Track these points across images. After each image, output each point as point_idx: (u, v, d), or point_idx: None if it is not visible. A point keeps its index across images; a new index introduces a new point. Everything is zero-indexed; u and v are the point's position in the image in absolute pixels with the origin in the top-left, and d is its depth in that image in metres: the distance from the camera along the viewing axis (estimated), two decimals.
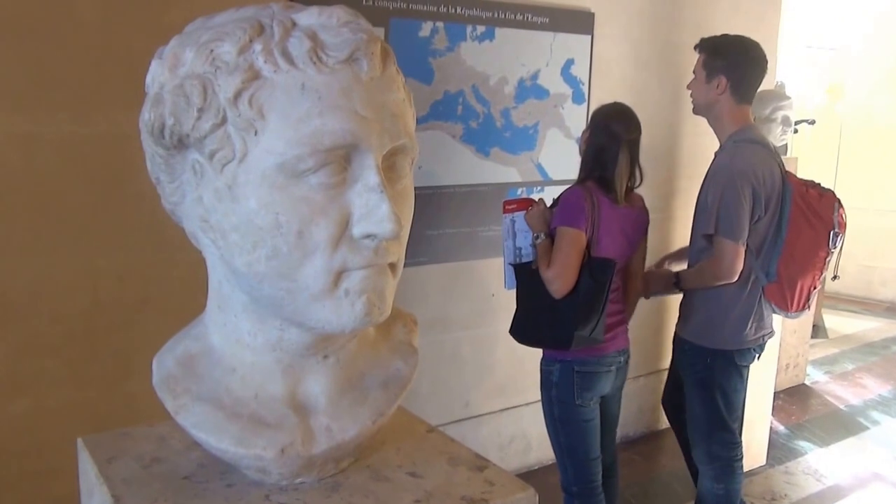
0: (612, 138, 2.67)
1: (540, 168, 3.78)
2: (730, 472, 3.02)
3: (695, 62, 2.94)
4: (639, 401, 4.07)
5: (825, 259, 2.91)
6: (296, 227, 0.95)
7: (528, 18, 3.60)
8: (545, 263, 2.61)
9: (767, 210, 2.80)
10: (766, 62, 2.92)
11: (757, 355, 3.02)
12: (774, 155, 2.91)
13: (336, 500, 1.11)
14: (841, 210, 2.88)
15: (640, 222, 2.80)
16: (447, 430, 1.36)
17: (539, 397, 2.86)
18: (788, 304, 2.90)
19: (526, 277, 2.68)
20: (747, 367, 3.00)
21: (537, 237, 2.68)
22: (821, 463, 4.24)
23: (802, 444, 4.48)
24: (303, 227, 0.95)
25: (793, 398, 5.18)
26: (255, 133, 0.94)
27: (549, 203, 2.75)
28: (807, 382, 5.48)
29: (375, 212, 0.95)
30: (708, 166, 2.94)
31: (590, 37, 3.82)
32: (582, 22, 3.78)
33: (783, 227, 2.84)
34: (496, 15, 3.50)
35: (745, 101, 2.90)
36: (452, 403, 3.70)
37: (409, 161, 1.05)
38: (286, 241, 0.96)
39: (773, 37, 4.60)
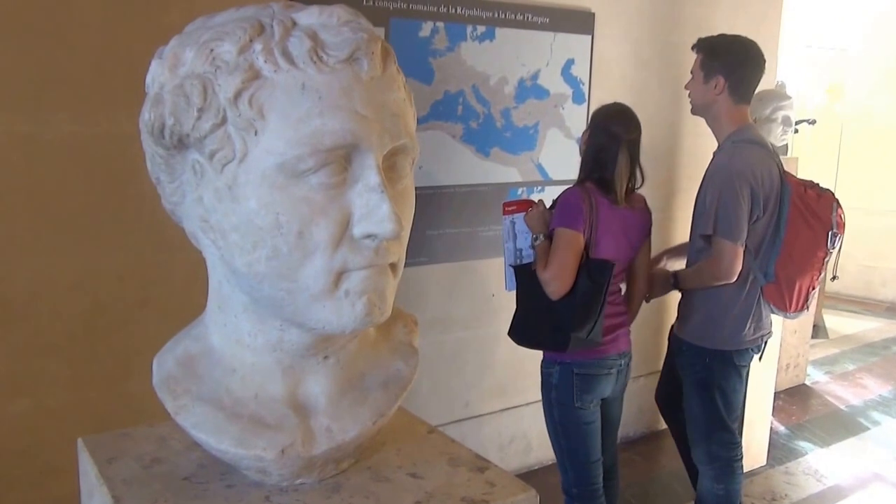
0: (611, 139, 2.66)
1: (540, 168, 3.78)
2: (730, 473, 3.02)
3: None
4: (639, 401, 4.07)
5: (823, 259, 2.91)
6: (296, 228, 0.95)
7: (528, 18, 3.60)
8: (542, 265, 2.61)
9: (766, 210, 2.80)
10: (764, 62, 2.91)
11: (756, 355, 3.01)
12: (773, 155, 2.91)
13: (336, 501, 1.11)
14: (839, 210, 2.88)
15: (641, 223, 2.79)
16: (447, 430, 1.36)
17: (539, 398, 2.85)
18: (787, 304, 2.90)
19: (526, 279, 2.68)
20: (746, 367, 3.00)
21: (536, 238, 2.68)
22: (821, 463, 4.24)
23: (803, 444, 4.48)
24: (303, 227, 0.95)
25: (793, 398, 5.18)
26: (256, 133, 0.94)
27: (549, 204, 2.75)
28: (807, 383, 5.48)
29: (376, 212, 0.95)
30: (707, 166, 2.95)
31: (590, 37, 3.82)
32: (582, 22, 3.78)
33: (781, 227, 2.83)
34: (496, 15, 3.50)
35: (743, 101, 2.89)
36: (453, 403, 3.70)
37: (409, 161, 1.05)
38: (286, 241, 0.95)
39: (775, 37, 4.60)
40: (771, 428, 4.32)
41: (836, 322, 6.97)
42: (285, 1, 1.02)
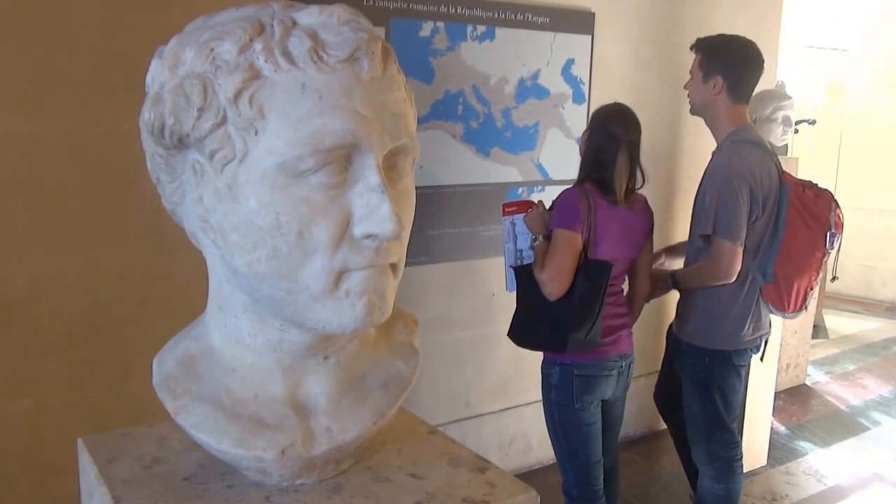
0: (610, 139, 2.65)
1: (540, 168, 3.78)
2: (730, 472, 3.02)
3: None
4: (639, 401, 4.07)
5: (822, 259, 2.92)
6: (296, 228, 0.95)
7: (528, 18, 3.60)
8: (540, 266, 2.60)
9: (765, 210, 2.80)
10: (763, 62, 2.91)
11: (755, 355, 3.02)
12: (771, 155, 2.92)
13: (337, 502, 1.10)
14: (838, 210, 2.89)
15: (642, 224, 2.77)
16: (448, 430, 1.36)
17: (540, 397, 2.85)
18: (785, 304, 2.90)
19: (526, 280, 2.67)
20: (745, 366, 3.01)
21: (535, 239, 2.68)
22: (821, 463, 4.23)
23: (803, 444, 4.47)
24: (303, 227, 0.95)
25: (793, 398, 5.18)
26: (256, 133, 0.94)
27: (549, 205, 2.75)
28: (807, 383, 5.48)
29: (376, 212, 0.95)
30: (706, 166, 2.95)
31: (590, 37, 3.82)
32: (582, 22, 3.78)
33: (780, 227, 2.84)
34: (496, 15, 3.50)
35: (741, 101, 2.90)
36: (453, 403, 3.70)
37: (410, 161, 1.05)
38: (286, 241, 0.95)
39: (775, 37, 4.60)
40: (771, 428, 4.31)
41: (837, 322, 6.97)
42: (285, 0, 1.02)
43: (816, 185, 2.98)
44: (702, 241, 2.85)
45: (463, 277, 3.63)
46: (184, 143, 0.98)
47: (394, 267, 1.04)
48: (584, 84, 3.85)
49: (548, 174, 3.81)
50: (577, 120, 3.80)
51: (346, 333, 1.03)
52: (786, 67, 6.16)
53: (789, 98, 4.51)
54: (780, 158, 3.01)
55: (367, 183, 0.96)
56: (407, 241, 1.06)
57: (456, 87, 3.43)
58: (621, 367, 2.77)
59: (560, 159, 3.80)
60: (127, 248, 2.42)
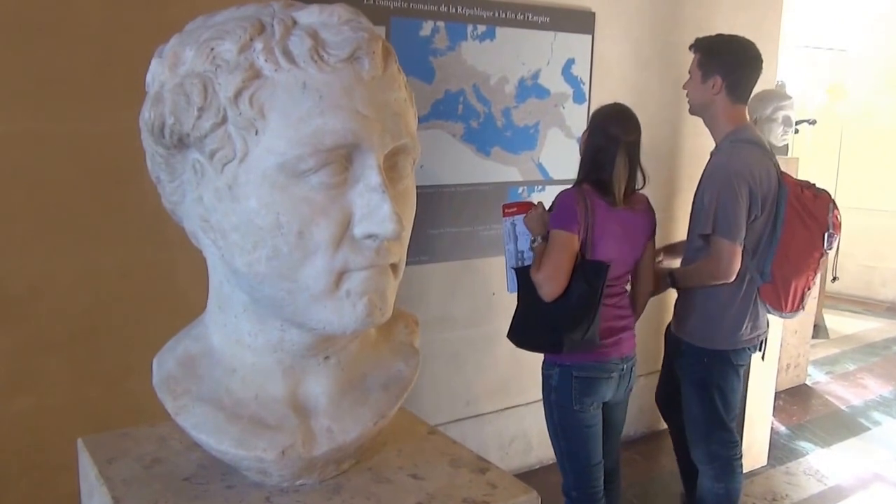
0: (609, 140, 2.63)
1: (541, 167, 3.78)
2: (730, 472, 3.02)
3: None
4: (639, 401, 4.06)
5: (819, 260, 2.93)
6: (296, 228, 0.95)
7: (528, 18, 3.60)
8: (536, 267, 2.60)
9: (763, 210, 2.81)
10: (762, 62, 2.91)
11: (753, 354, 3.03)
12: (770, 155, 2.93)
13: (337, 502, 1.10)
14: (836, 211, 2.90)
15: (643, 224, 2.76)
16: (448, 430, 1.36)
17: (540, 397, 2.85)
18: (783, 304, 2.91)
19: (526, 281, 2.67)
20: (744, 366, 3.02)
21: (535, 240, 2.67)
22: (822, 463, 4.23)
23: (803, 444, 4.47)
24: (303, 227, 0.95)
25: (794, 398, 5.17)
26: (256, 132, 0.93)
27: (549, 206, 2.74)
28: (808, 383, 5.48)
29: (377, 212, 0.95)
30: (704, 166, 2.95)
31: (590, 36, 3.81)
32: (582, 21, 3.78)
33: (778, 227, 2.85)
34: (497, 14, 3.49)
35: (740, 100, 2.90)
36: (453, 402, 3.70)
37: (410, 161, 1.05)
38: (287, 241, 0.95)
39: (775, 36, 4.60)
40: (772, 428, 4.31)
41: (837, 322, 6.96)
42: (285, 0, 1.02)
43: (814, 185, 2.99)
44: (701, 241, 2.85)
45: (463, 277, 3.63)
46: (184, 143, 0.98)
47: (394, 267, 1.03)
48: (584, 84, 3.85)
49: (548, 174, 3.80)
50: (578, 119, 3.80)
51: (347, 334, 1.03)
52: (786, 67, 6.16)
53: (789, 98, 4.51)
54: (781, 159, 3.02)
55: (367, 183, 0.96)
56: (408, 241, 1.06)
57: (456, 87, 3.43)
58: (622, 369, 2.75)
59: (560, 159, 3.79)
60: (127, 248, 2.41)
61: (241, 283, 1.03)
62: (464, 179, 3.54)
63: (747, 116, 3.00)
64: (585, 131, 2.78)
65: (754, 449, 4.05)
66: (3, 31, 2.18)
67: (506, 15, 3.52)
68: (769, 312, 2.97)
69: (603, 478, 2.81)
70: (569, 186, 2.73)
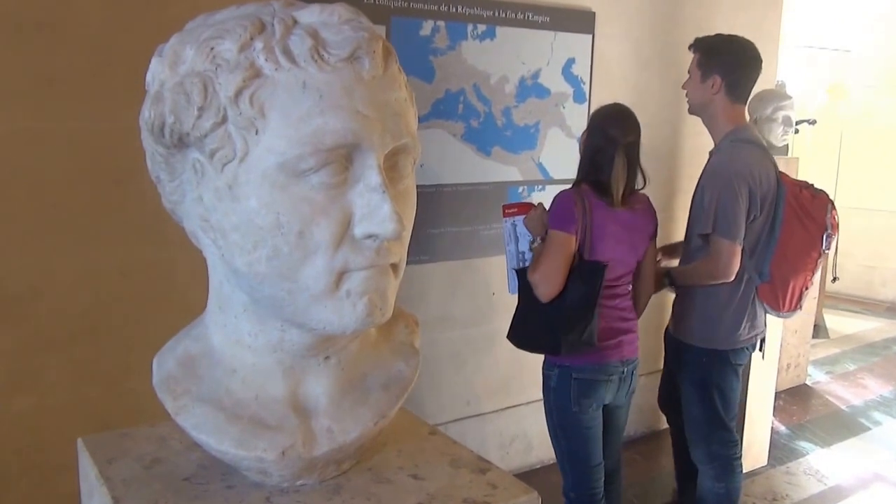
0: (608, 141, 2.62)
1: (541, 167, 3.78)
2: (730, 471, 3.02)
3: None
4: (639, 401, 4.03)
5: (817, 260, 2.94)
6: (297, 228, 0.94)
7: (528, 17, 3.59)
8: (533, 267, 2.60)
9: (762, 210, 2.81)
10: (761, 61, 2.92)
11: (751, 353, 3.04)
12: (769, 155, 2.93)
13: (337, 503, 1.10)
14: (833, 212, 2.91)
15: (642, 225, 2.73)
16: (448, 429, 1.36)
17: (541, 396, 2.84)
18: (780, 304, 2.92)
19: (526, 282, 2.66)
20: (742, 365, 3.03)
21: (534, 241, 2.67)
22: (822, 463, 4.23)
23: (804, 444, 4.47)
24: (304, 227, 0.94)
25: (794, 398, 5.17)
26: (256, 132, 0.93)
27: (549, 206, 2.73)
28: (808, 382, 5.47)
29: (377, 212, 0.94)
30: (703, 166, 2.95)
31: (591, 36, 3.81)
32: (583, 21, 3.78)
33: (776, 227, 2.85)
34: (497, 14, 3.49)
35: (740, 100, 2.90)
36: (453, 402, 3.69)
37: (411, 161, 1.05)
38: (287, 241, 0.95)
39: (775, 36, 4.59)
40: (772, 428, 4.31)
41: (837, 322, 6.96)
42: None
43: (812, 185, 3.00)
44: (701, 240, 2.86)
45: (464, 276, 3.63)
46: (184, 142, 0.97)
47: (395, 267, 1.03)
48: (584, 83, 3.84)
49: (548, 173, 3.80)
50: (578, 119, 3.80)
51: (347, 334, 1.03)
52: (786, 67, 6.16)
53: (790, 98, 4.51)
54: (781, 159, 3.02)
55: (367, 183, 0.95)
56: (408, 241, 1.06)
57: (456, 86, 3.43)
58: (622, 372, 2.73)
59: (561, 159, 3.79)
60: (127, 248, 2.41)
61: (242, 283, 1.03)
62: (464, 179, 3.53)
63: (746, 116, 3.01)
64: (585, 132, 2.77)
65: (754, 449, 4.05)
66: (4, 30, 2.18)
67: (506, 14, 3.52)
68: (767, 312, 2.97)
69: (603, 479, 2.80)
70: (565, 188, 2.72)
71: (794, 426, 4.73)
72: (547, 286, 2.55)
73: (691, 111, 3.01)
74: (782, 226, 2.85)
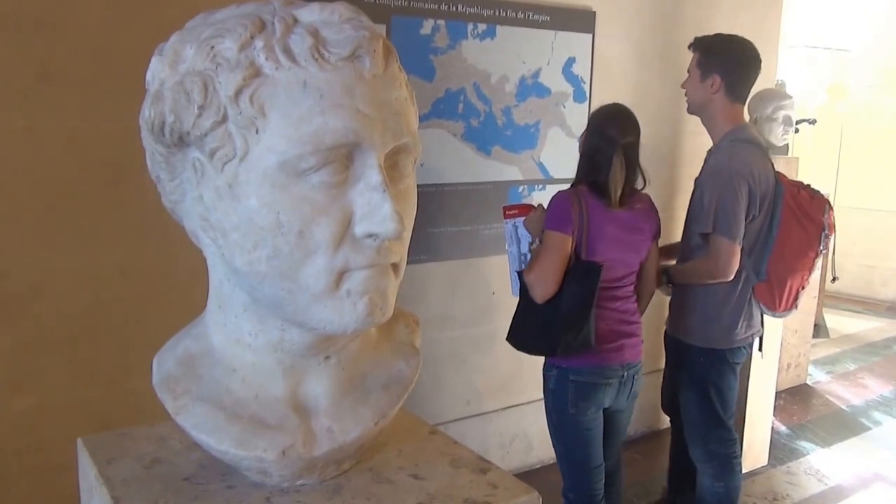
0: (606, 141, 2.60)
1: (541, 166, 3.78)
2: (729, 470, 3.02)
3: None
4: (639, 400, 4.03)
5: (815, 260, 2.95)
6: (297, 227, 0.94)
7: (529, 17, 3.59)
8: (529, 268, 2.59)
9: (761, 210, 2.82)
10: (760, 61, 2.92)
11: (748, 352, 3.05)
12: (767, 155, 2.93)
13: (337, 503, 1.10)
14: (831, 212, 2.92)
15: (643, 225, 2.70)
16: (448, 429, 1.36)
17: (541, 396, 2.83)
18: (777, 303, 2.93)
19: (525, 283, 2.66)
20: (740, 364, 3.03)
21: (533, 242, 2.66)
22: (823, 463, 4.23)
23: (804, 444, 4.47)
24: (304, 226, 0.94)
25: (794, 398, 5.17)
26: (257, 131, 0.93)
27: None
28: (808, 382, 5.47)
29: (378, 211, 0.94)
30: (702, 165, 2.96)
31: (591, 35, 3.81)
32: (583, 20, 3.77)
33: (774, 227, 2.86)
34: (497, 13, 3.49)
35: (739, 99, 2.91)
36: (454, 401, 3.69)
37: (411, 160, 1.04)
38: (287, 240, 0.95)
39: (775, 36, 4.59)
40: (772, 428, 4.31)
41: (837, 321, 6.96)
42: None
43: (810, 186, 3.02)
44: (700, 239, 2.85)
45: (464, 276, 3.63)
46: (184, 141, 0.97)
47: (395, 266, 1.03)
48: (584, 83, 3.84)
49: (549, 173, 3.80)
50: (579, 118, 3.79)
51: (348, 333, 1.03)
52: (786, 67, 6.15)
53: (790, 97, 4.51)
54: (782, 158, 3.02)
55: (368, 182, 0.95)
56: (408, 240, 1.06)
57: (457, 86, 3.42)
58: (623, 376, 2.68)
59: (561, 158, 3.79)
60: (127, 247, 2.41)
61: (242, 283, 1.03)
62: (464, 178, 3.53)
63: (745, 116, 3.01)
64: (584, 132, 2.76)
65: (755, 449, 4.05)
66: (4, 29, 2.17)
67: (506, 14, 3.51)
68: (762, 312, 2.98)
69: (603, 480, 2.78)
70: (560, 190, 2.71)
71: (795, 426, 4.73)
72: (542, 287, 2.54)
73: (690, 110, 3.01)
74: (780, 225, 2.85)
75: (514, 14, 3.54)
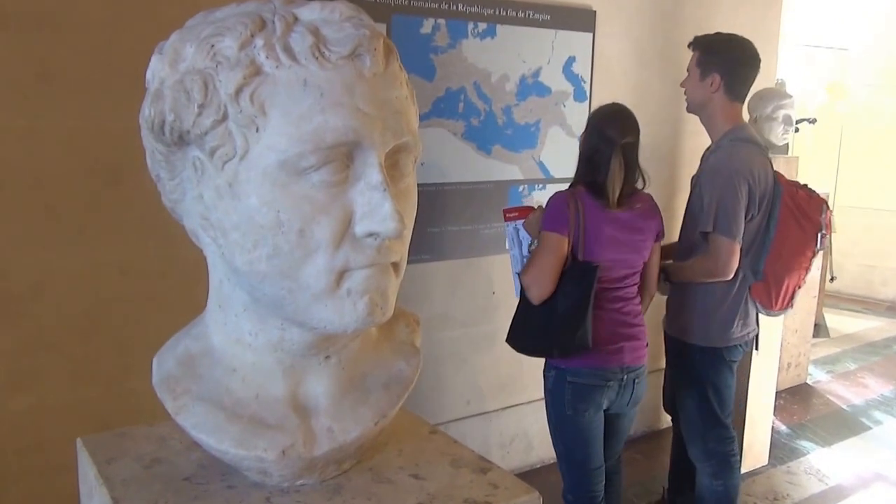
0: (605, 142, 2.57)
1: (542, 166, 3.77)
2: (728, 468, 3.03)
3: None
4: None
5: (811, 259, 2.96)
6: (297, 226, 0.94)
7: (529, 16, 3.59)
8: (525, 270, 2.58)
9: (760, 209, 2.83)
10: (759, 60, 2.92)
11: (745, 351, 3.05)
12: (766, 154, 2.94)
13: (337, 503, 1.10)
14: (829, 212, 2.93)
15: (644, 225, 2.66)
16: (448, 429, 1.35)
17: (541, 396, 2.83)
18: (773, 302, 2.94)
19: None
20: (736, 362, 3.04)
21: (532, 243, 2.66)
22: (823, 463, 4.23)
23: (804, 443, 4.47)
24: (304, 225, 0.94)
25: (795, 398, 5.17)
26: (257, 130, 0.93)
27: None
28: (809, 382, 5.47)
29: (378, 210, 0.94)
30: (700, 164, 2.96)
31: (591, 34, 3.81)
32: (583, 19, 3.77)
33: (772, 226, 2.87)
34: (498, 12, 3.49)
35: (738, 99, 2.91)
36: (454, 401, 3.69)
37: (412, 159, 1.04)
38: (287, 239, 0.94)
39: (775, 35, 4.59)
40: (772, 427, 4.30)
41: (838, 321, 6.96)
42: None
43: (807, 185, 3.03)
44: (700, 238, 2.85)
45: (464, 275, 3.63)
46: (184, 140, 0.97)
47: (395, 266, 1.03)
48: (585, 82, 3.84)
49: (549, 172, 3.80)
50: (579, 118, 3.79)
51: (348, 333, 1.02)
52: (786, 66, 6.15)
53: (790, 97, 4.50)
54: (782, 158, 3.03)
55: (368, 181, 0.95)
56: (409, 239, 1.05)
57: (457, 85, 3.42)
58: (622, 379, 2.64)
59: (561, 157, 3.79)
60: (127, 246, 2.41)
61: (242, 282, 1.03)
62: (465, 177, 3.53)
63: (745, 115, 3.01)
64: (583, 132, 2.75)
65: (755, 448, 4.05)
66: (4, 27, 2.17)
67: (507, 13, 3.51)
68: (758, 311, 2.99)
69: (603, 481, 2.77)
70: (558, 191, 2.69)
71: (795, 425, 4.73)
72: (538, 288, 2.53)
73: (689, 109, 3.01)
74: (778, 225, 2.86)
75: (514, 13, 3.54)
